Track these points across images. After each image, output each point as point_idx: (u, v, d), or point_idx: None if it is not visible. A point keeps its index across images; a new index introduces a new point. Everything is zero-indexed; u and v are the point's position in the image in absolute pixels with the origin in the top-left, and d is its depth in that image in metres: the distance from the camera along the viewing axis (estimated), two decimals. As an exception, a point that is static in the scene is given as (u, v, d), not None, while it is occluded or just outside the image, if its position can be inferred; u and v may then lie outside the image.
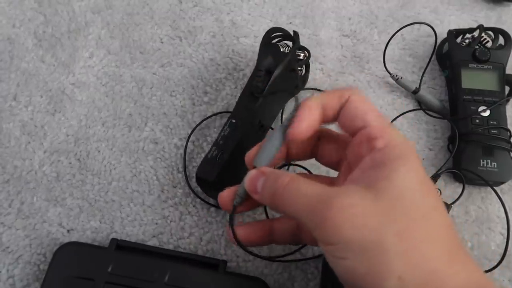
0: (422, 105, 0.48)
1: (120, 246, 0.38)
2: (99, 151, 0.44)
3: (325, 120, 0.30)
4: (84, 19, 0.51)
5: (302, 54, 0.46)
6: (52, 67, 0.48)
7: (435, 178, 0.42)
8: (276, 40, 0.46)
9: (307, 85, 0.49)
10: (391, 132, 0.27)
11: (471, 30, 0.49)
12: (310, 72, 0.50)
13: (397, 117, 0.47)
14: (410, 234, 0.23)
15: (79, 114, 0.46)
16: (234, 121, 0.41)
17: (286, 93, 0.45)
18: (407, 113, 0.48)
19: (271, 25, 0.53)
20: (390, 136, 0.26)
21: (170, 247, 0.41)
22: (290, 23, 0.53)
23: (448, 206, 0.41)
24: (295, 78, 0.45)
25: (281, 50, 0.44)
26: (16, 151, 0.44)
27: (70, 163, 0.44)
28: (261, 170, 0.29)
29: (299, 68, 0.46)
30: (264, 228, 0.33)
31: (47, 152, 0.44)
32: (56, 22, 0.51)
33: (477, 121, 0.43)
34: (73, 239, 0.40)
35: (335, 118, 0.29)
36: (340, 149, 0.32)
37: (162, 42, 0.51)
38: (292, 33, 0.45)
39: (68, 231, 0.41)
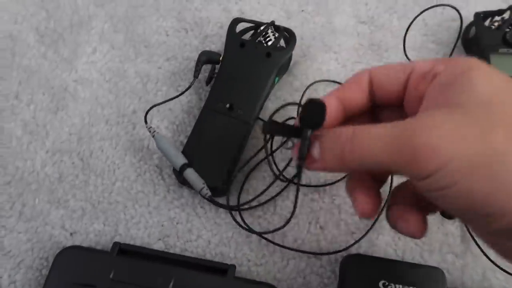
0: (447, 95, 0.44)
1: (123, 250, 0.36)
2: (102, 150, 0.42)
3: (354, 113, 0.27)
4: (87, 13, 0.49)
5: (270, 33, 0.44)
6: (54, 64, 0.47)
7: None
8: (252, 32, 0.45)
9: (322, 77, 0.46)
10: (445, 58, 0.24)
11: (500, 12, 0.44)
12: (325, 63, 0.46)
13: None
14: None
15: (82, 112, 0.44)
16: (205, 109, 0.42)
17: (260, 67, 0.42)
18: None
19: (282, 14, 0.50)
20: (446, 60, 0.23)
21: (177, 250, 0.38)
22: (302, 11, 0.50)
23: None
24: (261, 47, 0.43)
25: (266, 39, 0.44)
26: (17, 152, 0.42)
27: (73, 163, 0.42)
28: (314, 134, 0.24)
29: (267, 37, 0.44)
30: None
31: (50, 152, 0.42)
32: (58, 17, 0.49)
33: (509, 110, 0.39)
34: (76, 243, 0.39)
35: (368, 103, 0.27)
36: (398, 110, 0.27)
37: (167, 35, 0.49)
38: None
39: (71, 234, 0.39)
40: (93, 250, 0.37)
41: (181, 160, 0.38)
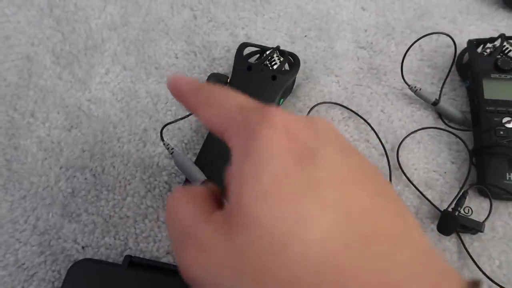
0: (443, 117, 0.47)
1: (133, 263, 0.37)
2: (114, 167, 0.44)
3: None
4: (100, 36, 0.52)
5: (275, 57, 0.46)
6: (69, 84, 0.49)
7: (463, 196, 0.40)
8: (258, 56, 0.48)
9: (324, 99, 0.48)
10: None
11: (492, 40, 0.47)
12: (327, 85, 0.49)
13: (417, 130, 0.46)
14: (265, 279, 0.16)
15: (95, 129, 0.46)
16: None
17: (265, 90, 0.45)
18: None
19: (286, 38, 0.53)
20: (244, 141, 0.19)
21: (185, 264, 0.40)
22: (305, 36, 0.53)
23: (481, 225, 0.39)
24: (267, 71, 0.45)
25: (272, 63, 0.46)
26: (32, 168, 0.44)
27: (85, 178, 0.44)
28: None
29: (272, 61, 0.46)
30: None
31: (63, 168, 0.44)
32: (74, 40, 0.52)
33: (501, 132, 0.42)
34: (88, 256, 0.40)
35: None
36: None
37: (177, 58, 0.51)
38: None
39: (82, 247, 0.41)
40: (105, 263, 0.38)
41: (201, 176, 0.40)
